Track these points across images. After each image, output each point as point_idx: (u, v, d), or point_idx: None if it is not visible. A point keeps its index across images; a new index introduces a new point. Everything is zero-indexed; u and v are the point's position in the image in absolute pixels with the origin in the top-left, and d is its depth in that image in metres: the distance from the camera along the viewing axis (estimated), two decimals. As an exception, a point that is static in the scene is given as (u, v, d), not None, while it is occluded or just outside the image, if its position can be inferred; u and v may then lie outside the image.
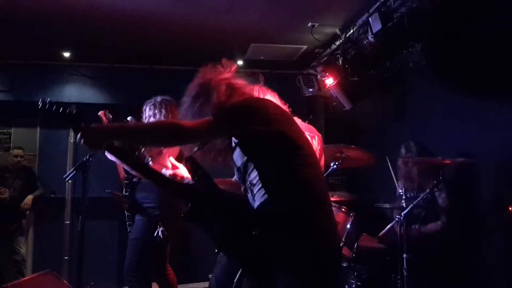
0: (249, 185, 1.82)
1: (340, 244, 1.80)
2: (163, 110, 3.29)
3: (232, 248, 1.78)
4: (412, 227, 3.45)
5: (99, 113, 3.42)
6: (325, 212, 1.76)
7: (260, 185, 1.77)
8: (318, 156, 2.45)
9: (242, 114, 1.81)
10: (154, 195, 3.30)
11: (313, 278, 1.64)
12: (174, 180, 1.99)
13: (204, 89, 1.94)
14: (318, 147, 2.49)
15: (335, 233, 1.83)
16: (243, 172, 1.86)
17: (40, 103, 1.90)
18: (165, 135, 1.79)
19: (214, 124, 1.77)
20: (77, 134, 1.68)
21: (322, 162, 2.50)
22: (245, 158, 1.84)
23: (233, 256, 1.84)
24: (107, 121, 3.37)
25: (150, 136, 1.81)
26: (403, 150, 3.79)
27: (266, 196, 1.74)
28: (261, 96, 2.54)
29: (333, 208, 3.25)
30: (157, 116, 3.27)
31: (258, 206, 1.78)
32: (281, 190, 1.73)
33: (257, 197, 1.79)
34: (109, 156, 2.28)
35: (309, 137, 2.46)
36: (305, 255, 1.65)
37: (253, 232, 1.70)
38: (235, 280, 2.15)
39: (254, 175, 1.80)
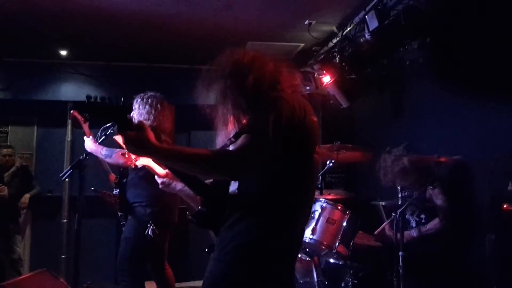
0: None
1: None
2: (147, 106, 3.29)
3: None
4: (410, 232, 3.46)
5: (72, 111, 3.31)
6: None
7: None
8: None
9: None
10: (146, 193, 3.27)
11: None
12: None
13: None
14: None
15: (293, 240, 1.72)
16: None
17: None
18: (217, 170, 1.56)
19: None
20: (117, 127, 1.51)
21: None
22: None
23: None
24: (83, 119, 3.30)
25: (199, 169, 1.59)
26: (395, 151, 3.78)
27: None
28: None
29: (329, 206, 3.32)
30: (140, 111, 3.28)
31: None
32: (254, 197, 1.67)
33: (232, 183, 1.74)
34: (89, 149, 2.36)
35: None
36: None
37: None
38: None
39: None
